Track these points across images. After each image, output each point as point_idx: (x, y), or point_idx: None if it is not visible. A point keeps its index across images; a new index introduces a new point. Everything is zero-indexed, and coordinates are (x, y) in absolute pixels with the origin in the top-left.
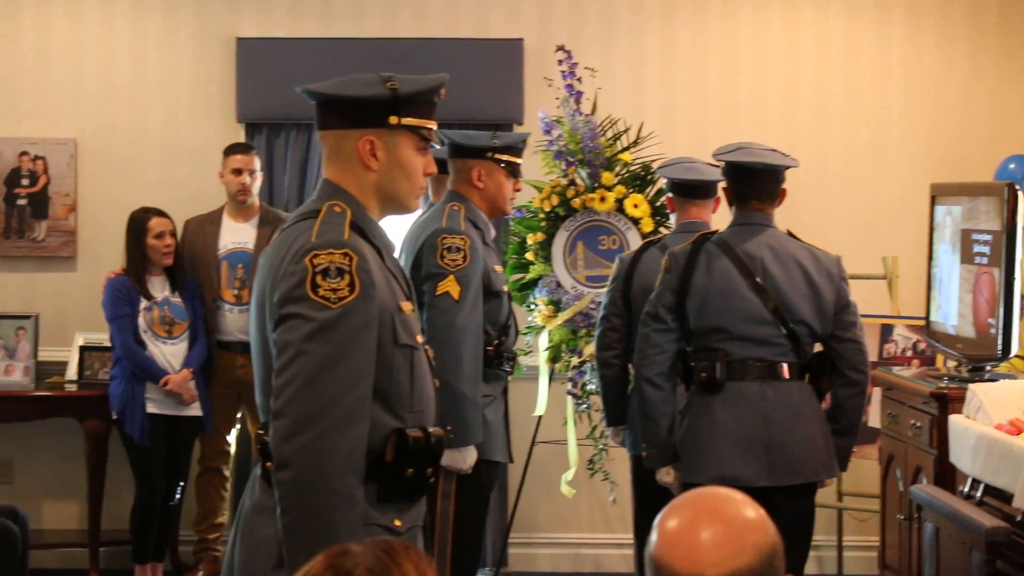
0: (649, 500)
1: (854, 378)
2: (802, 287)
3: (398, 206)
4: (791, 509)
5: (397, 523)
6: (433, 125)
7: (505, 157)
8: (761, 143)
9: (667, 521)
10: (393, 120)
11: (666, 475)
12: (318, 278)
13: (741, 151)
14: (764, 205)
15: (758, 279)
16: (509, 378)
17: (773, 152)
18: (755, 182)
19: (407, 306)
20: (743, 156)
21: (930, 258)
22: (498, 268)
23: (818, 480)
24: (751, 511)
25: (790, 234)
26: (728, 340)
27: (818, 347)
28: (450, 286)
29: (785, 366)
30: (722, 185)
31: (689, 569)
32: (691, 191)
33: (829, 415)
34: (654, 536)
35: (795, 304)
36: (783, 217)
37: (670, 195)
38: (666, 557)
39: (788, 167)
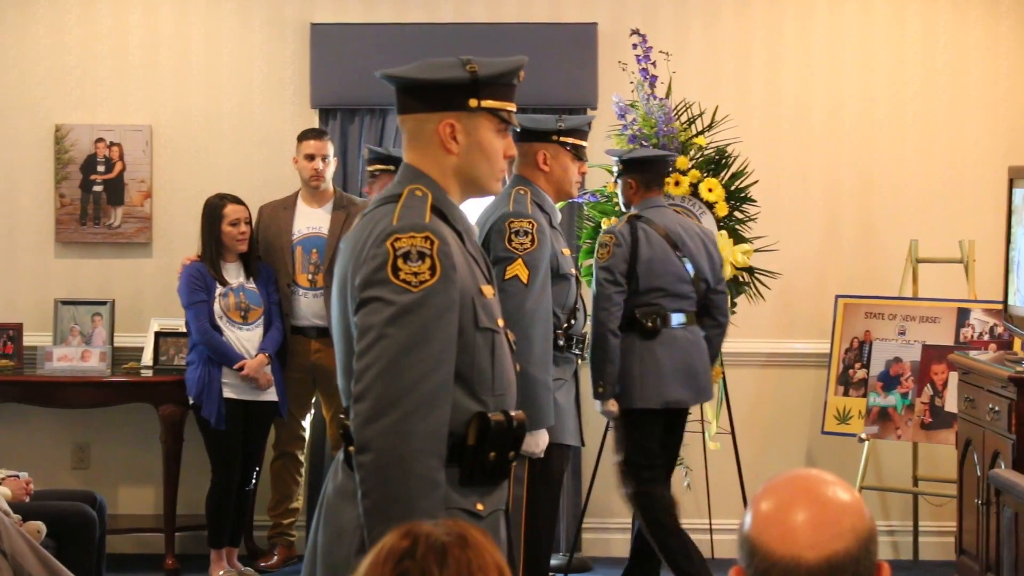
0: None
1: (721, 320)
2: (703, 252)
3: (479, 189)
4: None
5: (479, 507)
6: (513, 107)
7: (571, 140)
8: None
9: (761, 502)
10: (473, 103)
11: (612, 406)
12: (399, 261)
13: (640, 150)
14: (662, 190)
15: (679, 247)
16: (580, 362)
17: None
18: (655, 172)
19: (488, 290)
20: (646, 152)
21: (1008, 241)
22: (566, 251)
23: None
24: (846, 494)
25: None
26: (664, 296)
27: None
28: (519, 270)
29: (694, 314)
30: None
31: (786, 551)
32: None
33: None
34: (748, 517)
35: (701, 266)
36: (860, 201)
37: None
38: (762, 537)
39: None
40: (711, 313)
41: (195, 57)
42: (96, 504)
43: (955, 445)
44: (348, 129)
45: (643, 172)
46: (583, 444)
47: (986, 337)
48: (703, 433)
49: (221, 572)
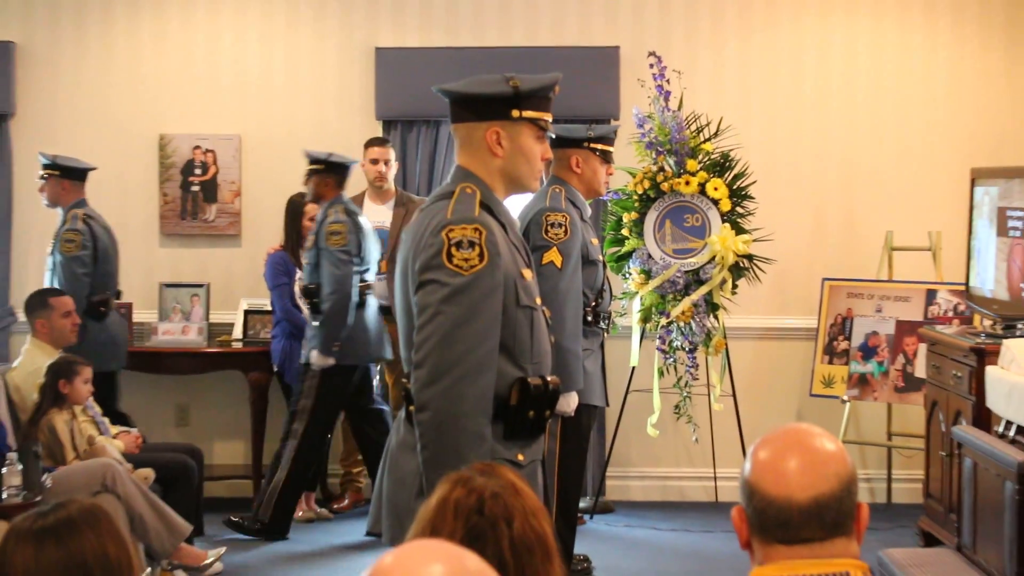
0: None
1: None
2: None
3: (520, 187)
4: None
5: (520, 457)
6: (549, 117)
7: (599, 146)
8: None
9: (759, 452)
10: (515, 113)
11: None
12: (453, 249)
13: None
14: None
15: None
16: (606, 335)
17: None
18: (344, 174)
19: (527, 273)
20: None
21: (970, 232)
22: (594, 241)
23: None
24: (831, 444)
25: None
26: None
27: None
28: (553, 256)
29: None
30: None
31: (780, 492)
32: None
33: None
34: (748, 465)
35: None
36: (843, 197)
37: None
38: (760, 482)
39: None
40: None
41: (277, 76)
42: (195, 455)
43: (923, 406)
44: (407, 137)
45: (339, 174)
46: (607, 404)
47: (951, 314)
48: (709, 395)
49: (300, 512)
